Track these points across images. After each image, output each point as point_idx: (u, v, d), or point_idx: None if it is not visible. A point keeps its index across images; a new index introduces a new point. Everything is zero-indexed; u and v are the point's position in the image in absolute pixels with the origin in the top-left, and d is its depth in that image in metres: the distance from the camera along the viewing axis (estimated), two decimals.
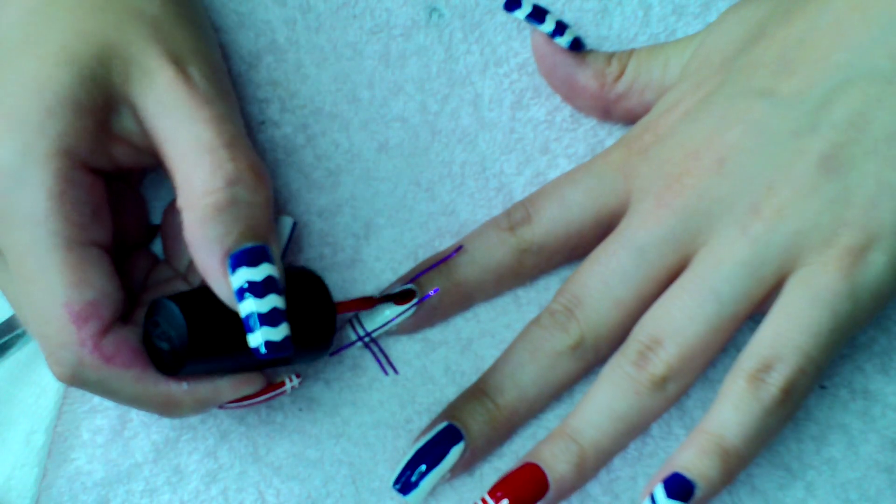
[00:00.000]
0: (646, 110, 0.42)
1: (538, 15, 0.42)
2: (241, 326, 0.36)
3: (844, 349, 0.44)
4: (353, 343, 0.43)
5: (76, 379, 0.37)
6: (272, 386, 0.40)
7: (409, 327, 0.43)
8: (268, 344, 0.36)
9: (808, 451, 0.43)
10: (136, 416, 0.43)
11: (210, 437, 0.43)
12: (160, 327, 0.37)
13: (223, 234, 0.35)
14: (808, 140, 0.37)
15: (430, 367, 0.44)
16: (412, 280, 0.42)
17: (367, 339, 0.43)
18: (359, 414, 0.44)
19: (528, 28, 0.45)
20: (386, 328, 0.42)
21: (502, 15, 0.45)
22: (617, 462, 0.43)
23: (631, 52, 0.43)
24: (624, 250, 0.39)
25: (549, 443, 0.40)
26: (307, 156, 0.44)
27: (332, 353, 0.43)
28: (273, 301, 0.36)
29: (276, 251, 0.37)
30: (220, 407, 0.39)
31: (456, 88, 0.45)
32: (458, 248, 0.43)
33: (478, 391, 0.42)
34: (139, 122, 0.37)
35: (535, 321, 0.42)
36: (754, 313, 0.38)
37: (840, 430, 0.43)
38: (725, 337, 0.38)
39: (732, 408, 0.37)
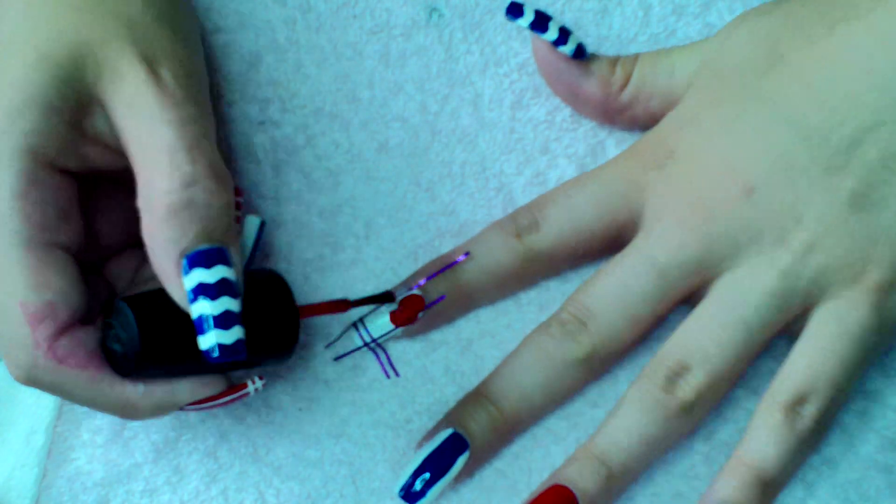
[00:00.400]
0: (650, 118, 0.42)
1: (541, 23, 0.41)
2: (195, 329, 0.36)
3: None
4: (358, 349, 0.43)
5: (31, 380, 0.36)
6: (234, 388, 0.39)
7: (413, 332, 0.43)
8: (220, 347, 0.35)
9: None
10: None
11: (210, 437, 0.43)
12: (114, 329, 0.37)
13: (179, 236, 0.35)
14: (840, 178, 0.38)
15: (430, 368, 0.44)
16: (417, 285, 0.42)
17: (373, 346, 0.43)
18: (358, 414, 0.44)
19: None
20: (391, 335, 0.42)
21: (502, 15, 0.45)
22: None
23: (636, 58, 0.42)
24: (645, 270, 0.40)
25: (578, 464, 0.40)
26: (307, 156, 0.44)
27: (337, 358, 0.43)
28: (226, 304, 0.36)
29: (235, 254, 0.36)
30: (182, 409, 0.38)
31: (456, 88, 0.45)
32: (466, 254, 0.42)
33: (481, 397, 0.42)
34: (111, 122, 0.37)
35: (544, 329, 0.42)
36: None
37: (840, 430, 0.43)
38: (750, 362, 0.40)
39: (770, 439, 0.38)
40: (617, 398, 0.43)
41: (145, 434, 0.43)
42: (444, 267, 0.42)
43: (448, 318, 0.44)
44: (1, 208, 0.35)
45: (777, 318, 0.39)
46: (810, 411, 0.38)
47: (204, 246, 0.35)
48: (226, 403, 0.39)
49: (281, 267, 0.44)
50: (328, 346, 0.43)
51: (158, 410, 0.38)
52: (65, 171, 0.37)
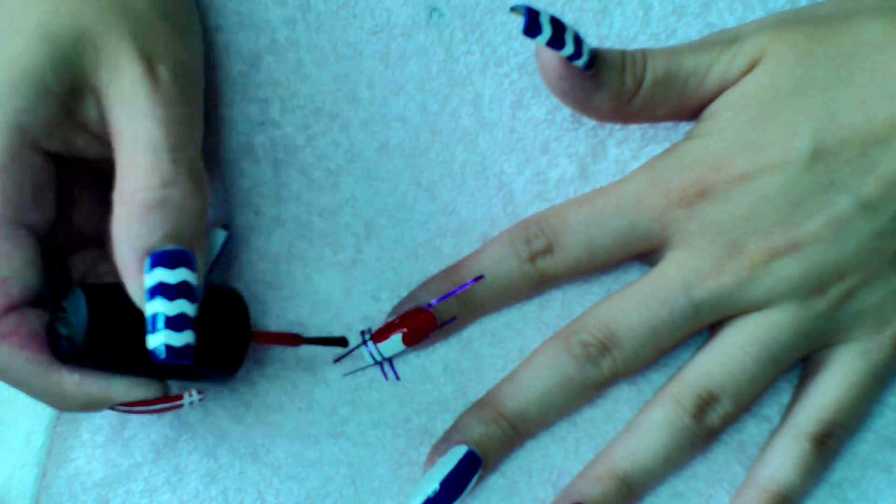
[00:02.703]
0: (657, 121, 0.42)
1: (558, 38, 0.38)
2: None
3: None
4: (368, 367, 0.43)
5: None
6: (170, 398, 0.39)
7: (420, 346, 0.43)
8: (167, 348, 0.35)
9: None
10: (136, 416, 0.43)
11: (210, 437, 0.43)
12: (64, 312, 0.37)
13: (148, 233, 0.35)
14: (889, 242, 0.39)
15: (430, 367, 0.44)
16: (429, 305, 0.42)
17: (382, 362, 0.43)
18: (357, 413, 0.44)
19: None
20: (401, 354, 0.43)
21: (502, 15, 0.45)
22: None
23: (644, 63, 0.40)
24: (680, 306, 0.40)
25: (602, 485, 0.41)
26: (307, 156, 0.44)
27: (347, 375, 0.44)
28: (182, 306, 0.36)
29: (200, 260, 0.36)
30: (113, 408, 0.38)
31: (456, 88, 0.45)
32: (479, 277, 0.42)
33: (497, 414, 0.42)
34: (101, 111, 0.37)
35: (564, 345, 0.41)
36: None
37: None
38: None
39: (798, 468, 0.40)
40: (615, 397, 0.43)
41: (145, 434, 0.43)
42: (457, 289, 0.42)
43: (456, 330, 0.44)
44: None
45: (802, 352, 0.41)
46: (835, 442, 0.40)
47: (171, 246, 0.35)
48: (158, 412, 0.39)
49: (281, 267, 0.44)
50: (337, 361, 0.43)
51: (90, 404, 0.38)
52: (47, 154, 0.37)
